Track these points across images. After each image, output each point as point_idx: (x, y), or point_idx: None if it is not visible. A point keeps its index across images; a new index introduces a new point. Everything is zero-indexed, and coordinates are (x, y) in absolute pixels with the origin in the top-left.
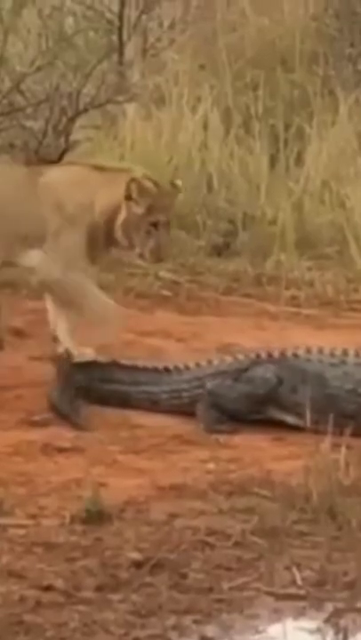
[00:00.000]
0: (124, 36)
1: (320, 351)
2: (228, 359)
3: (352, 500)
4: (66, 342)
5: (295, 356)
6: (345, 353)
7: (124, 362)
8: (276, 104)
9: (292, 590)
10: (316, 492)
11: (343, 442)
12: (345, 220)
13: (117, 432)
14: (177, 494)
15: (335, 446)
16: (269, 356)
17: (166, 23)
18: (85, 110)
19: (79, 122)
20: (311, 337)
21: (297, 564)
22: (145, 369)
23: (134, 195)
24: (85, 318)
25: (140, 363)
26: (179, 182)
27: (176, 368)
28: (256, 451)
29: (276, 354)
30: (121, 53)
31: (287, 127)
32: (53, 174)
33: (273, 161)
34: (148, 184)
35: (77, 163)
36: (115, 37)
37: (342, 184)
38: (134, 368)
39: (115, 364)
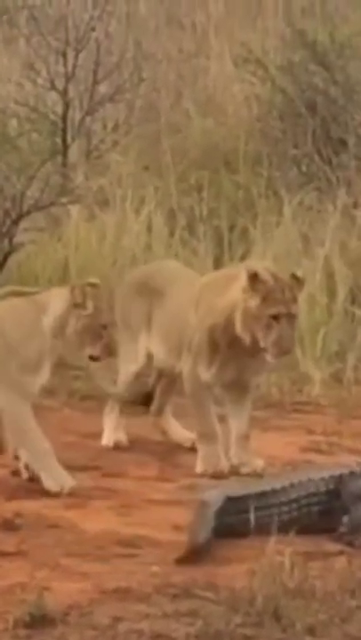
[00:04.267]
0: (68, 138)
1: None
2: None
3: (297, 603)
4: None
5: None
6: None
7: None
8: (221, 205)
9: None
10: (261, 594)
11: (288, 543)
12: None
13: (61, 535)
14: (121, 597)
15: (280, 548)
16: None
17: (110, 125)
18: (29, 212)
19: (23, 224)
20: (256, 439)
21: None
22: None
23: (247, 286)
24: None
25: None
26: (299, 273)
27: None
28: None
29: None
30: (65, 155)
31: (232, 228)
32: (207, 278)
33: (217, 262)
34: (265, 276)
35: (233, 269)
36: (58, 139)
37: None
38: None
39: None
